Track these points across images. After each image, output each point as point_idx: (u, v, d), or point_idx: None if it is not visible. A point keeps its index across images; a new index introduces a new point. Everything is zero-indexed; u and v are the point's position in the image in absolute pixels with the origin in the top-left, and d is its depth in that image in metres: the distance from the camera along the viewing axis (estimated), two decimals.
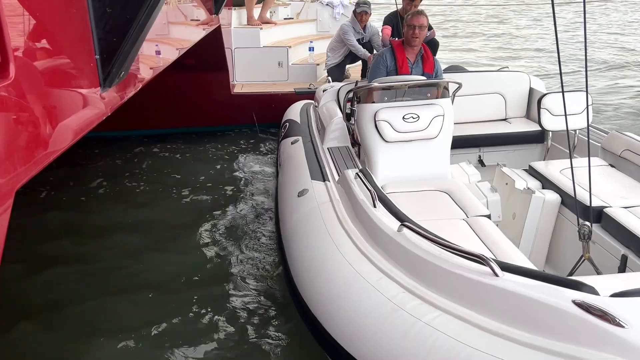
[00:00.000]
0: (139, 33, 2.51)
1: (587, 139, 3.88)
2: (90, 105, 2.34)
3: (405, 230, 2.37)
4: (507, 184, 3.46)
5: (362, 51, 6.33)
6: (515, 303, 1.89)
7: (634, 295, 1.80)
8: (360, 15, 6.30)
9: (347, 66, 6.85)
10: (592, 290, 1.82)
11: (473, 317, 1.95)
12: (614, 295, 1.81)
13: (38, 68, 1.89)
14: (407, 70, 4.06)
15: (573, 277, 2.00)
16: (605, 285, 1.88)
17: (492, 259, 2.04)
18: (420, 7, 6.03)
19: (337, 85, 4.80)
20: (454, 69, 5.27)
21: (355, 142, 3.78)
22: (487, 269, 2.01)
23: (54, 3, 2.04)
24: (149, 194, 5.08)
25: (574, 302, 1.77)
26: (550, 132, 4.19)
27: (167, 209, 4.78)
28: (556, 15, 2.42)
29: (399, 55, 3.96)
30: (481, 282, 1.99)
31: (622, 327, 1.65)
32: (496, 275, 1.98)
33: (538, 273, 2.01)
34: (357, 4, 6.37)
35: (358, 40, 6.38)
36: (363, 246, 2.56)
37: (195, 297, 3.46)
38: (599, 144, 3.75)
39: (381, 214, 2.60)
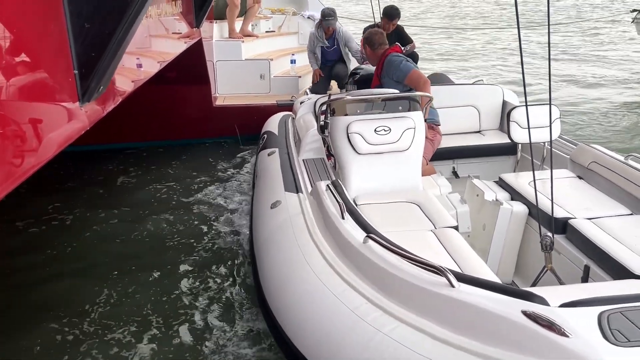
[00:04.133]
0: (118, 48, 2.56)
1: (556, 151, 4.02)
2: (69, 120, 2.38)
3: (370, 242, 2.42)
4: (477, 195, 3.53)
5: (312, 62, 6.71)
6: (469, 313, 1.94)
7: (582, 305, 1.87)
8: (327, 28, 6.52)
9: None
10: (542, 301, 1.88)
11: (430, 327, 2.00)
12: (563, 305, 1.87)
13: (16, 82, 1.93)
14: (376, 82, 4.23)
15: (530, 288, 2.06)
16: (561, 295, 1.94)
17: (449, 270, 2.09)
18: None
19: (315, 97, 4.87)
20: (437, 77, 5.33)
21: (330, 154, 3.85)
22: (444, 279, 2.06)
23: (31, 18, 2.08)
24: (129, 207, 5.09)
25: (523, 312, 1.83)
26: (520, 145, 4.29)
27: (147, 221, 4.79)
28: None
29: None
30: (438, 293, 2.04)
31: (567, 336, 1.71)
32: (452, 286, 2.03)
33: (492, 284, 2.06)
34: (323, 17, 6.52)
35: (324, 47, 6.61)
36: (331, 258, 2.59)
37: (164, 307, 3.51)
38: (568, 156, 3.85)
39: (349, 226, 2.64)
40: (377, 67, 4.24)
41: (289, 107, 6.00)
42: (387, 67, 4.08)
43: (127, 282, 3.83)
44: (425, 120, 3.71)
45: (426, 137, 3.73)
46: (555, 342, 1.71)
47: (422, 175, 3.67)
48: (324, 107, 3.59)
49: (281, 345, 2.53)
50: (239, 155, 6.44)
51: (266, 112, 6.25)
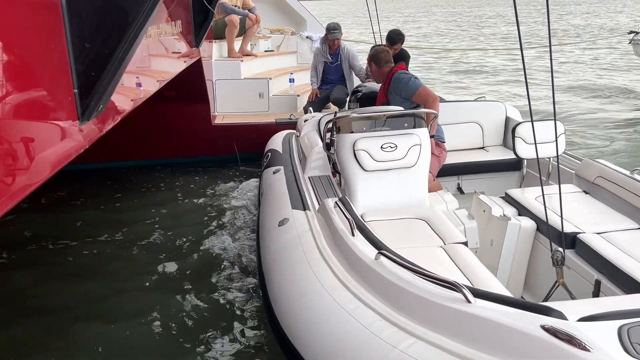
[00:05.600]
0: (118, 67, 2.54)
1: (561, 166, 4.00)
2: (68, 138, 2.35)
3: (382, 258, 2.40)
4: (484, 211, 3.51)
5: (312, 79, 6.71)
6: (486, 329, 1.92)
7: (601, 320, 1.84)
8: (332, 41, 6.49)
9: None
10: (560, 315, 1.86)
11: (447, 343, 1.97)
12: (582, 319, 1.85)
13: (16, 101, 1.90)
14: (380, 102, 4.23)
15: (544, 303, 2.03)
16: (577, 309, 1.91)
17: (465, 286, 2.06)
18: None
19: (319, 115, 4.87)
20: None
21: (335, 172, 3.83)
22: (460, 295, 2.04)
23: (32, 38, 2.07)
24: (129, 225, 5.04)
25: (542, 326, 1.80)
26: (525, 160, 4.28)
27: (147, 240, 4.74)
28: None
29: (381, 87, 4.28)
30: (454, 309, 2.02)
31: (588, 350, 1.68)
32: (468, 301, 2.01)
33: (509, 299, 2.04)
34: (328, 30, 6.53)
35: (327, 63, 6.60)
36: (341, 274, 2.57)
37: (172, 327, 3.43)
38: (573, 171, 3.83)
39: (359, 242, 2.62)
40: (383, 84, 4.22)
41: (287, 125, 6.00)
42: (395, 84, 4.09)
43: (129, 301, 3.77)
44: (432, 137, 3.72)
45: (432, 154, 3.73)
46: (577, 357, 1.68)
47: (429, 191, 3.65)
48: (329, 125, 3.58)
49: None
50: (238, 173, 6.41)
51: (265, 130, 6.25)
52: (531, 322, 1.84)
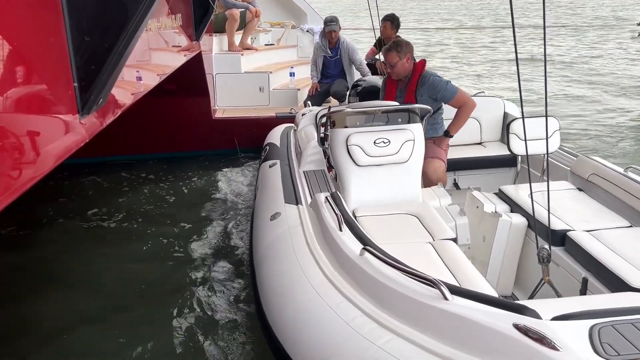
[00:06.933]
0: (118, 61, 2.57)
1: (556, 163, 4.03)
2: (68, 132, 2.38)
3: (367, 254, 2.41)
4: (477, 207, 3.53)
5: (312, 73, 6.71)
6: (462, 326, 1.94)
7: (573, 319, 1.86)
8: (329, 33, 6.49)
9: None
10: (534, 314, 1.87)
11: (423, 340, 1.99)
12: (555, 318, 1.87)
13: (16, 95, 1.93)
14: (393, 98, 4.16)
15: (522, 301, 2.04)
16: (555, 308, 1.93)
17: (443, 283, 2.08)
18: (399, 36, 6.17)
19: (317, 109, 4.89)
20: None
21: (330, 166, 3.86)
22: (438, 292, 2.05)
23: (32, 32, 2.10)
24: (128, 220, 5.09)
25: (514, 325, 1.82)
26: (519, 156, 4.30)
27: (145, 234, 4.79)
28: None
29: (388, 84, 4.15)
30: (431, 306, 2.03)
31: (557, 350, 1.70)
32: (446, 298, 2.03)
33: (486, 297, 2.06)
34: (325, 23, 6.54)
35: (327, 57, 6.62)
36: (328, 270, 2.58)
37: (162, 318, 3.49)
38: (568, 168, 3.85)
39: (347, 238, 2.63)
40: (409, 82, 4.03)
41: (288, 119, 6.02)
42: (430, 87, 3.93)
43: (124, 293, 3.82)
44: (451, 137, 4.05)
45: (442, 149, 3.97)
46: (546, 356, 1.71)
47: (438, 181, 3.79)
48: (324, 120, 3.61)
49: (278, 359, 2.51)
50: (238, 167, 6.45)
51: (265, 124, 6.27)
52: (504, 320, 1.86)
